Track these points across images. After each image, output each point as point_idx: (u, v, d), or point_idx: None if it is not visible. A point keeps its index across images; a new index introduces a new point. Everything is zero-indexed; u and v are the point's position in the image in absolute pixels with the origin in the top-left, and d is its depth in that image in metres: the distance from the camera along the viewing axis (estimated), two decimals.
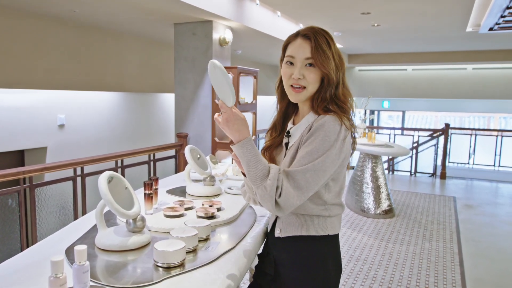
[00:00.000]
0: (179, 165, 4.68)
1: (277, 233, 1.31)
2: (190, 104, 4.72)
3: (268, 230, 1.41)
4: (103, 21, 4.90)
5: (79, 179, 3.30)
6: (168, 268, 1.17)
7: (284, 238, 1.29)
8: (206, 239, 1.41)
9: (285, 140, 1.34)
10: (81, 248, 0.98)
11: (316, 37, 1.21)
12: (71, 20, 4.85)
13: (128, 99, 5.98)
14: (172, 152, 4.68)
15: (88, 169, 3.38)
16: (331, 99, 1.23)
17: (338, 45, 7.85)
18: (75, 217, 3.22)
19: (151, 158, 4.22)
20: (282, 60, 1.31)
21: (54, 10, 4.33)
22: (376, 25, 5.92)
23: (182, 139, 4.72)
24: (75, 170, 3.26)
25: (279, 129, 1.38)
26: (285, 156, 1.29)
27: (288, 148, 1.30)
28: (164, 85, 6.45)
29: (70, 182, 3.23)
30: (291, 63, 1.25)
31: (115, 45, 5.63)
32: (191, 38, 4.59)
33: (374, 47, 8.67)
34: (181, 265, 1.20)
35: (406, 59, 9.50)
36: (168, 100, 6.62)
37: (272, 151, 1.37)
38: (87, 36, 5.16)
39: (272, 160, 1.35)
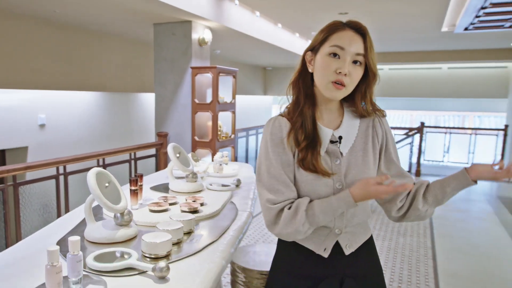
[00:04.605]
0: (160, 164, 4.72)
1: (348, 251, 1.18)
2: (170, 104, 4.76)
3: (327, 255, 1.17)
4: (84, 21, 4.88)
5: (62, 178, 3.32)
6: (156, 258, 1.24)
7: (355, 251, 1.21)
8: (190, 232, 1.49)
9: (331, 148, 1.16)
10: (75, 239, 1.04)
11: (368, 34, 1.12)
12: (52, 20, 4.80)
13: (109, 99, 5.96)
14: (152, 151, 4.71)
15: (70, 167, 3.40)
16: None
17: None
18: (59, 215, 3.24)
19: (132, 157, 4.24)
20: (315, 48, 1.15)
21: (34, 10, 4.30)
22: None
23: (162, 138, 4.75)
24: (57, 169, 3.27)
25: (310, 134, 1.14)
26: (340, 164, 1.16)
27: (348, 153, 1.17)
28: (144, 84, 6.44)
29: (53, 180, 3.25)
30: (336, 56, 1.10)
31: (96, 45, 5.60)
32: (170, 38, 4.63)
33: None
34: (168, 255, 1.27)
35: (383, 59, 9.76)
36: (148, 99, 6.63)
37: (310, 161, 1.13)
38: (67, 36, 5.12)
39: (308, 170, 1.13)
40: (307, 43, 8.15)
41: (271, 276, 1.31)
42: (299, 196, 1.15)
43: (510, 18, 4.53)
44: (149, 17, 4.46)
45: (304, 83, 1.18)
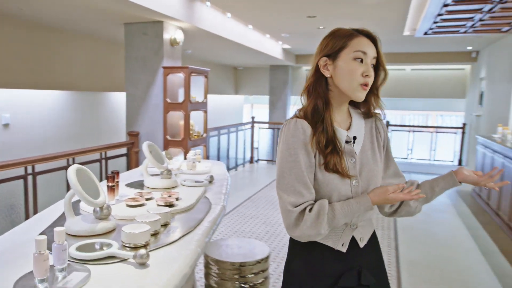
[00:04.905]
0: (131, 163, 4.73)
1: (362, 244, 1.27)
2: (141, 103, 4.77)
3: (345, 250, 1.24)
4: (51, 19, 4.81)
5: (30, 178, 3.29)
6: (135, 248, 1.32)
7: (367, 243, 1.30)
8: (166, 224, 1.57)
9: (351, 145, 1.24)
10: (60, 229, 1.11)
11: (379, 39, 1.23)
12: (17, 18, 4.70)
13: (77, 98, 5.88)
14: (123, 150, 4.71)
15: (39, 167, 3.37)
16: None
17: (286, 46, 8.20)
18: (27, 216, 3.21)
19: (103, 156, 4.24)
20: (332, 55, 1.20)
21: None
22: (321, 27, 6.29)
23: (133, 137, 4.76)
24: (26, 169, 3.24)
25: (332, 138, 1.20)
26: (354, 161, 1.24)
27: (360, 152, 1.25)
28: (114, 84, 6.39)
29: (21, 180, 3.22)
30: (359, 60, 1.19)
31: (64, 44, 5.52)
32: (141, 38, 4.65)
33: None
34: (146, 245, 1.35)
35: None
36: (118, 98, 6.58)
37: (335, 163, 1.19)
38: (34, 34, 5.02)
39: (334, 171, 1.19)
40: (277, 44, 8.31)
41: (288, 280, 1.31)
42: (317, 196, 1.20)
43: (464, 25, 4.86)
44: (120, 17, 4.46)
45: (321, 88, 1.22)
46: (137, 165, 4.55)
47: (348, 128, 1.26)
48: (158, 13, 4.14)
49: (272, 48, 8.07)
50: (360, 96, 1.20)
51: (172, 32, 4.73)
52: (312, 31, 6.61)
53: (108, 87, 6.37)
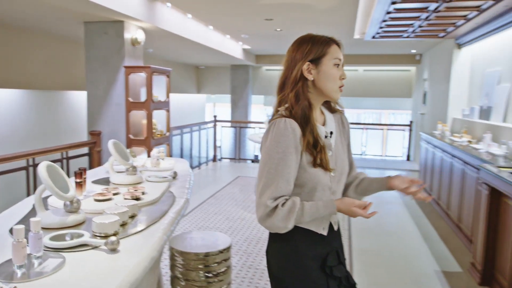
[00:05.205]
0: (93, 162, 4.73)
1: (335, 227, 1.44)
2: (103, 103, 4.78)
3: (326, 233, 1.38)
4: (8, 16, 4.70)
5: None
6: (105, 236, 1.45)
7: (338, 228, 1.47)
8: (133, 216, 1.71)
9: (329, 140, 1.38)
10: (36, 219, 1.23)
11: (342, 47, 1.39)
12: None
13: (35, 97, 5.75)
14: (85, 149, 4.71)
15: None
16: None
17: (246, 46, 8.37)
18: None
19: (64, 156, 4.23)
20: (314, 60, 1.32)
21: None
22: (279, 30, 6.54)
23: (95, 136, 4.77)
24: None
25: (318, 137, 1.32)
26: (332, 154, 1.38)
27: (335, 145, 1.40)
28: (74, 82, 6.30)
29: None
30: (337, 65, 1.34)
31: (20, 42, 5.39)
32: (102, 37, 4.66)
33: (279, 48, 9.37)
34: (115, 234, 1.48)
35: None
36: (78, 98, 6.48)
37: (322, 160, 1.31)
38: None
39: (322, 163, 1.32)
40: (237, 44, 8.48)
41: (280, 269, 1.38)
42: (304, 189, 1.31)
43: (406, 30, 5.27)
44: (79, 16, 4.45)
45: (306, 91, 1.32)
46: (99, 165, 4.56)
47: (323, 124, 1.39)
48: (118, 13, 4.17)
49: (233, 48, 8.23)
50: (338, 96, 1.37)
51: (133, 32, 4.78)
52: (270, 33, 6.85)
53: (68, 85, 6.27)
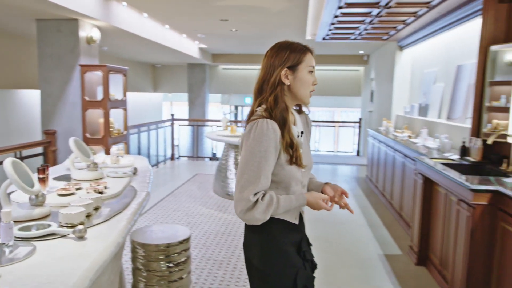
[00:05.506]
0: (48, 162, 4.66)
1: (303, 216, 1.60)
2: (57, 101, 4.72)
3: (298, 222, 1.53)
4: None
5: None
6: (72, 226, 1.56)
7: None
8: (97, 208, 1.82)
9: (300, 139, 1.52)
10: (7, 210, 1.33)
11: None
12: None
13: None
14: (39, 149, 4.63)
15: None
16: None
17: (202, 45, 8.47)
18: None
19: (18, 156, 4.15)
20: (292, 67, 1.44)
21: None
22: (234, 30, 6.71)
23: (50, 136, 4.70)
24: None
25: (294, 137, 1.45)
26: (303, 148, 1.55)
27: (304, 144, 1.54)
28: (25, 81, 6.11)
29: None
30: (311, 72, 1.47)
31: None
32: (56, 35, 4.60)
33: (235, 48, 9.56)
34: (81, 224, 1.59)
35: (262, 60, 10.69)
36: (31, 96, 6.29)
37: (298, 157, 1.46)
38: None
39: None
40: (194, 44, 8.56)
41: (261, 259, 1.48)
42: (280, 185, 1.45)
43: (353, 32, 5.65)
44: (31, 12, 4.37)
45: (283, 95, 1.44)
46: (55, 164, 4.51)
47: (294, 124, 1.51)
48: (72, 11, 4.15)
49: (189, 47, 8.30)
50: (309, 101, 1.50)
51: (88, 30, 4.76)
52: (226, 33, 7.01)
53: (19, 84, 6.07)
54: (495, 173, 2.90)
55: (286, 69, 1.43)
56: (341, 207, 1.54)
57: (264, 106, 1.43)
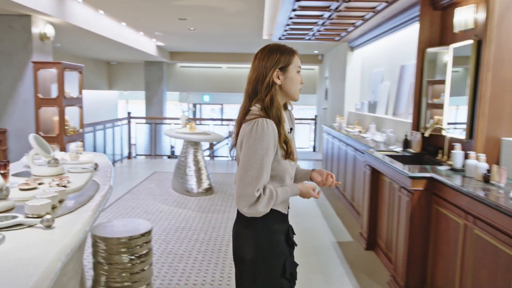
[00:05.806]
0: None
1: (290, 207, 1.70)
2: (8, 99, 4.58)
3: (287, 212, 1.67)
4: None
5: None
6: (38, 217, 1.62)
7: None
8: (62, 201, 1.88)
9: (290, 135, 1.62)
10: None
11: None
12: None
13: None
14: None
15: None
16: None
17: (160, 43, 8.46)
18: None
19: None
20: (283, 68, 1.55)
21: None
22: (192, 29, 6.77)
23: (0, 135, 4.56)
24: None
25: (288, 135, 1.57)
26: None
27: (292, 138, 1.65)
28: None
29: None
30: (299, 72, 1.59)
31: None
32: (7, 31, 4.46)
33: (193, 46, 9.59)
34: (47, 215, 1.66)
35: (221, 59, 10.81)
36: None
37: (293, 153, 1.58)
38: None
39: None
40: (151, 41, 8.51)
41: (254, 250, 1.56)
42: (276, 179, 1.55)
43: (307, 33, 5.92)
44: None
45: (276, 94, 1.55)
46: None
47: (284, 121, 1.60)
48: (25, 7, 4.06)
49: (146, 45, 8.24)
50: (299, 97, 1.62)
51: (42, 27, 4.65)
52: (184, 32, 7.05)
53: None
54: (432, 163, 3.22)
55: (278, 70, 1.54)
56: (330, 186, 1.68)
57: (259, 105, 1.53)
